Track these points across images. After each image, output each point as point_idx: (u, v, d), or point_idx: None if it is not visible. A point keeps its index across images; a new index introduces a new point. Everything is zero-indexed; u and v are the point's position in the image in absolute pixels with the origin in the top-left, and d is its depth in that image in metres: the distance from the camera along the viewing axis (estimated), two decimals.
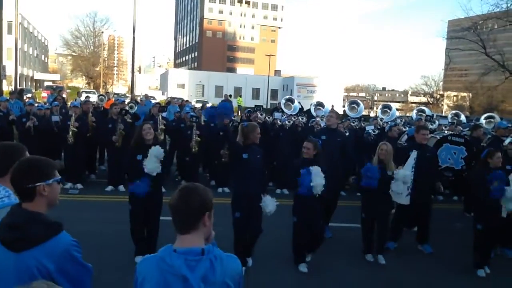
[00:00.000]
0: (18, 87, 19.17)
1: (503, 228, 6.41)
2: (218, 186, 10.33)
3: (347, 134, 9.89)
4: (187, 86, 66.88)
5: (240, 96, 41.80)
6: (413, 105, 78.69)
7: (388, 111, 13.36)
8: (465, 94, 72.60)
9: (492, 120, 14.04)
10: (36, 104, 11.77)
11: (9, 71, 23.77)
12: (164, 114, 11.84)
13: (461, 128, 12.07)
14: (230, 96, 26.19)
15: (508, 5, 26.09)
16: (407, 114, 41.62)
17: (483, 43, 27.49)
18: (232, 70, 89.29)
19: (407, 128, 10.82)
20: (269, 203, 5.63)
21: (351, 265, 6.30)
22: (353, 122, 11.22)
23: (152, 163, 5.58)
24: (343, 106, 40.99)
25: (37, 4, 59.43)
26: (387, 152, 6.29)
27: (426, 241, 7.07)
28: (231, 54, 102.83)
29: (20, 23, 25.80)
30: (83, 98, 21.39)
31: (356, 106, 12.85)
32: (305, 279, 5.80)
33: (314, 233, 6.04)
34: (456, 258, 6.69)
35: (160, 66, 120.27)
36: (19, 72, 23.13)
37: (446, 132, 10.28)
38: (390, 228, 6.87)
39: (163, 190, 6.15)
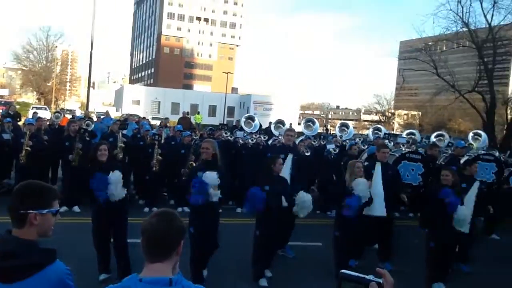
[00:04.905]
0: None
1: (457, 244, 6.62)
2: (177, 205, 10.14)
3: (308, 153, 10.03)
4: (143, 103, 65.89)
5: (199, 113, 41.55)
6: (366, 123, 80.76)
7: (346, 129, 13.67)
8: (415, 112, 75.29)
9: (442, 138, 14.61)
10: None
11: None
12: (124, 132, 11.60)
13: (414, 147, 12.50)
14: (188, 113, 25.92)
15: (458, 28, 27.52)
16: (360, 132, 42.70)
17: (435, 63, 28.66)
18: (189, 87, 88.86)
19: (366, 146, 11.08)
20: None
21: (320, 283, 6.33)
22: (314, 141, 11.40)
23: (116, 189, 5.50)
24: (299, 124, 41.60)
25: None
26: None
27: (388, 258, 7.19)
28: (188, 71, 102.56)
29: None
30: (30, 115, 20.61)
31: (311, 124, 13.06)
32: None
33: None
34: (414, 274, 6.83)
35: (115, 82, 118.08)
36: None
37: (404, 149, 10.61)
38: (352, 247, 6.90)
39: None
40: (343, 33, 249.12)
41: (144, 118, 23.10)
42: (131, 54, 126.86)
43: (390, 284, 1.17)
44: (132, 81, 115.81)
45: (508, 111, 28.39)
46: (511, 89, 32.94)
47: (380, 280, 1.18)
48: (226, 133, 11.21)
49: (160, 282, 1.88)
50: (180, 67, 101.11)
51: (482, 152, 11.02)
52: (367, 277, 1.19)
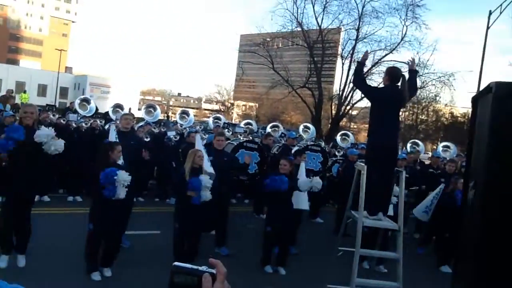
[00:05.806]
0: None
1: (292, 229, 7.14)
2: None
3: (148, 139, 9.77)
4: None
5: (25, 92, 37.48)
6: (206, 111, 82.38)
7: (187, 117, 13.72)
8: (252, 104, 79.09)
9: (276, 129, 15.63)
10: None
11: None
12: None
13: (251, 136, 13.10)
14: (12, 92, 23.13)
15: (293, 27, 29.58)
16: (202, 120, 43.42)
17: (271, 59, 30.42)
18: (14, 62, 79.66)
19: (206, 136, 11.23)
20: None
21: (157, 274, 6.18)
22: (155, 127, 11.14)
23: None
24: (139, 109, 40.51)
25: None
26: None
27: (223, 243, 7.38)
28: (14, 44, 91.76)
29: None
30: None
31: (152, 110, 12.83)
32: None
33: None
34: (249, 258, 7.14)
35: None
36: None
37: (241, 138, 11.01)
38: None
39: None
40: (189, 20, 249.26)
41: None
42: None
43: (223, 274, 1.14)
44: None
45: (333, 107, 31.57)
46: (335, 87, 36.72)
47: (213, 271, 1.15)
48: (54, 115, 10.27)
49: None
50: (4, 39, 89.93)
51: (311, 143, 12.02)
52: (200, 268, 1.16)
